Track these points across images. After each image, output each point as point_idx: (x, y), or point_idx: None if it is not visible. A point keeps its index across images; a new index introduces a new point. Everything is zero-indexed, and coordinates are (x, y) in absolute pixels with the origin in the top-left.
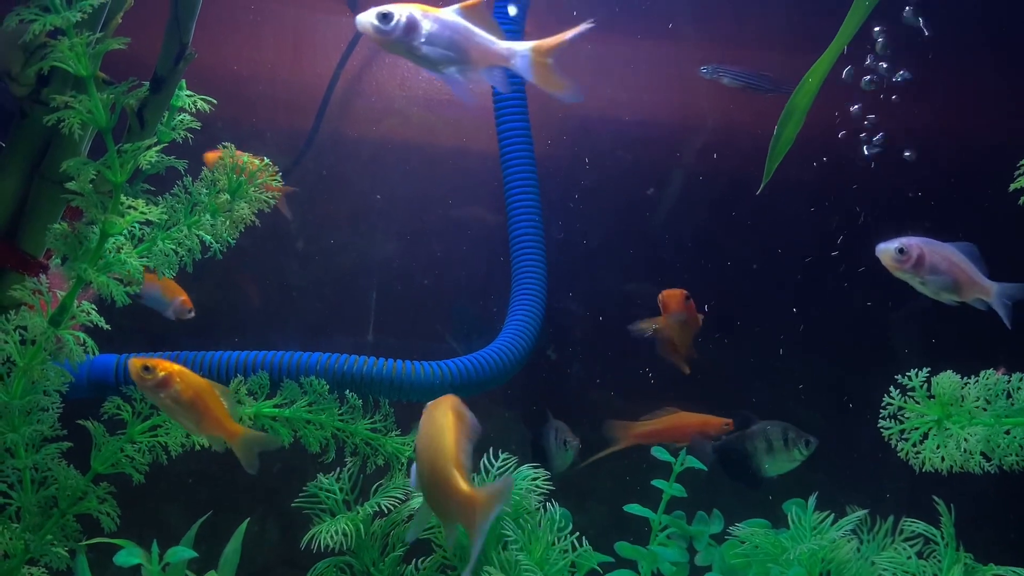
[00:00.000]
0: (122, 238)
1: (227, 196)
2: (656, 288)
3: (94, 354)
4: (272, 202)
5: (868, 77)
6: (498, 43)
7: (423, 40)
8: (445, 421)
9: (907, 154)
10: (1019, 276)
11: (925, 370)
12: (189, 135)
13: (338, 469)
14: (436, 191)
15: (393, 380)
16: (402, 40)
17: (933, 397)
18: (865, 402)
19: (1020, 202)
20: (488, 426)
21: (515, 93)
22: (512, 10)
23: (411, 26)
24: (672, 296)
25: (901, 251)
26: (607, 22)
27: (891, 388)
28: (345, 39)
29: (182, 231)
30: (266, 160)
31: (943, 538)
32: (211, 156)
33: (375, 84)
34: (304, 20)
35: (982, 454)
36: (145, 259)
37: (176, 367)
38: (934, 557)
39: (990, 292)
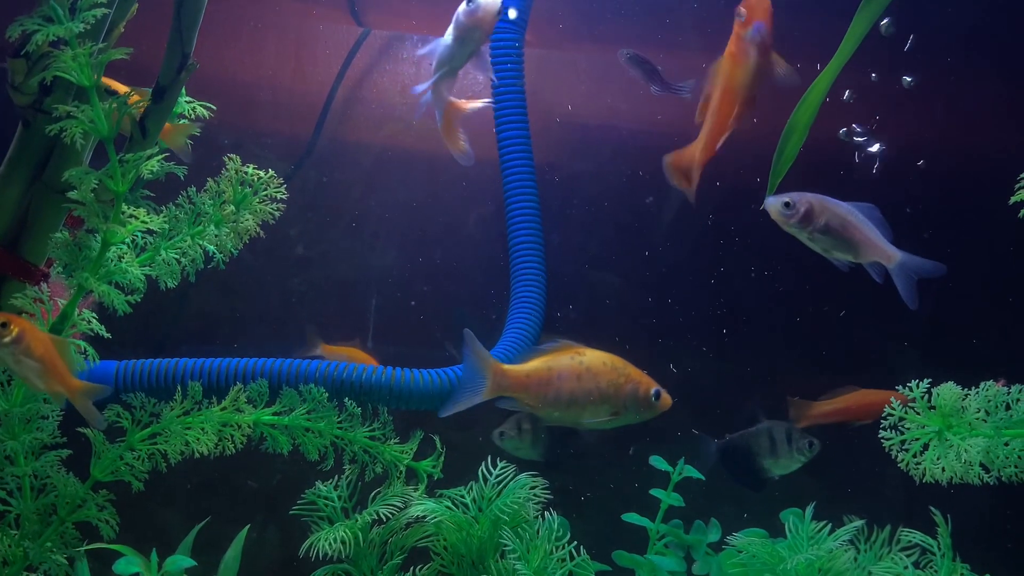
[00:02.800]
0: (124, 247)
1: (232, 207)
2: (655, 295)
3: (94, 362)
4: (277, 214)
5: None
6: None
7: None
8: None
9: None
10: (1018, 285)
11: (926, 381)
12: (189, 141)
13: (336, 477)
14: (436, 198)
15: (392, 388)
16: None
17: (934, 408)
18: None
19: (1021, 215)
20: (485, 435)
21: (516, 101)
22: (512, 13)
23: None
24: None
25: (787, 205)
26: (608, 31)
27: (892, 399)
28: (346, 47)
29: (185, 241)
30: (271, 172)
31: (940, 548)
32: None
33: (376, 91)
34: (306, 28)
35: (981, 465)
36: (148, 268)
37: (27, 323)
38: (931, 567)
39: (892, 260)
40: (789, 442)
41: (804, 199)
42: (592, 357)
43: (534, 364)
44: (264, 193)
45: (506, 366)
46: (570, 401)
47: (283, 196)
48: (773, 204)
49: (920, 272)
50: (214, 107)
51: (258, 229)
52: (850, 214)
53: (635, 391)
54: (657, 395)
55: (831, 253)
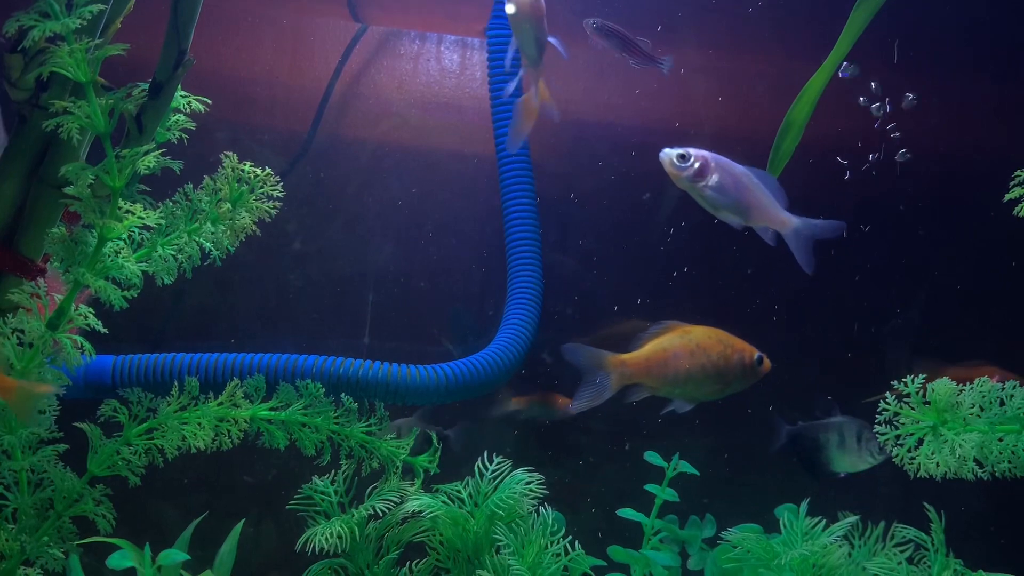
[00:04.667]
0: (120, 242)
1: (229, 205)
2: (651, 291)
3: (91, 356)
4: (274, 212)
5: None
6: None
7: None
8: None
9: (901, 154)
10: (1013, 282)
11: (921, 376)
12: (185, 136)
13: (333, 472)
14: (433, 194)
15: (388, 383)
16: None
17: (929, 403)
18: (858, 408)
19: (1015, 212)
20: (482, 429)
21: (512, 97)
22: (510, 8)
23: None
24: None
25: (682, 157)
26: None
27: (887, 394)
28: (343, 42)
29: (182, 237)
30: (267, 170)
31: (933, 544)
32: None
33: (372, 87)
34: (303, 23)
35: (975, 460)
36: (144, 264)
37: None
38: (924, 563)
39: (787, 225)
40: (859, 441)
41: (700, 154)
42: (699, 333)
43: (649, 347)
44: (261, 191)
45: (624, 356)
46: (687, 377)
47: (280, 194)
48: (667, 155)
49: (818, 235)
50: (209, 101)
51: (255, 227)
52: (745, 175)
53: (741, 359)
54: (760, 360)
55: (720, 212)
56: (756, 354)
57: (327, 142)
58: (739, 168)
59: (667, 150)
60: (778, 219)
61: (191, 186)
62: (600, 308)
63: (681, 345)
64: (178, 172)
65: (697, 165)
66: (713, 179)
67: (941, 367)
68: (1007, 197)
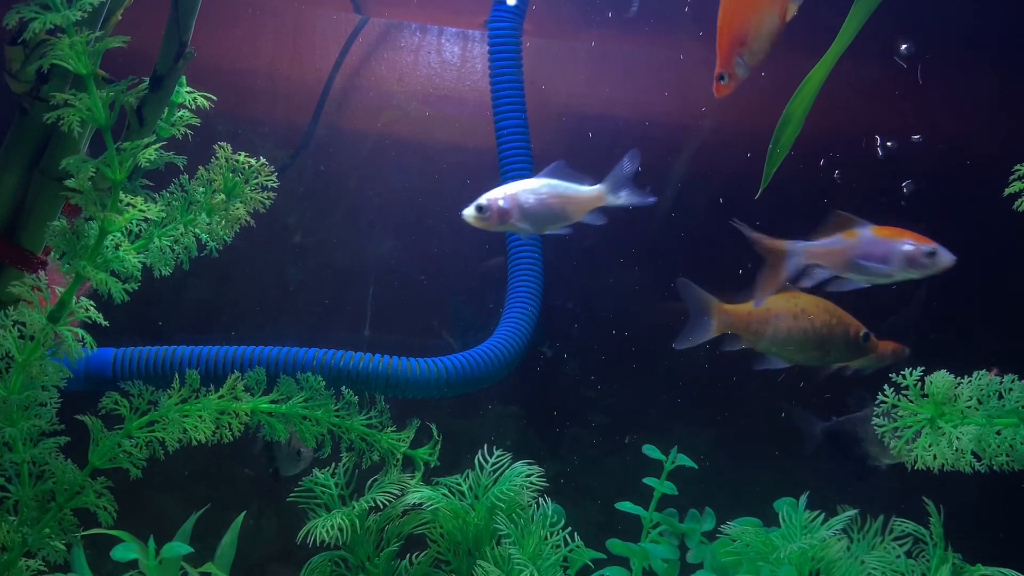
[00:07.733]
0: (120, 235)
1: (223, 196)
2: (650, 287)
3: (92, 349)
4: (268, 203)
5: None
6: None
7: None
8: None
9: (891, 145)
10: (1011, 282)
11: (919, 369)
12: (188, 131)
13: (334, 464)
14: (434, 187)
15: (389, 376)
16: None
17: (927, 396)
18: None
19: (1015, 206)
20: (482, 423)
21: (514, 91)
22: (511, 0)
23: None
24: None
25: (480, 208)
26: (606, 21)
27: (885, 386)
28: (344, 34)
29: (178, 228)
30: (262, 160)
31: (932, 538)
32: None
33: (373, 79)
34: (303, 15)
35: (973, 453)
36: (141, 256)
37: None
38: (923, 557)
39: (603, 197)
40: None
41: (493, 198)
42: (806, 299)
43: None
44: (255, 181)
45: (728, 306)
46: (786, 339)
47: (275, 184)
48: (469, 213)
49: (626, 178)
50: (214, 97)
51: (249, 218)
52: (543, 187)
53: (845, 332)
54: (866, 337)
55: (547, 229)
56: (863, 331)
57: (328, 134)
58: (535, 182)
59: (465, 210)
60: (593, 199)
61: (187, 178)
62: (600, 302)
63: (785, 307)
64: (181, 167)
65: (496, 208)
66: (518, 211)
67: None
68: (1007, 191)
